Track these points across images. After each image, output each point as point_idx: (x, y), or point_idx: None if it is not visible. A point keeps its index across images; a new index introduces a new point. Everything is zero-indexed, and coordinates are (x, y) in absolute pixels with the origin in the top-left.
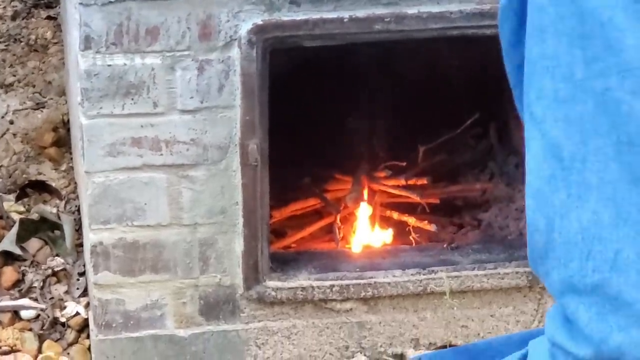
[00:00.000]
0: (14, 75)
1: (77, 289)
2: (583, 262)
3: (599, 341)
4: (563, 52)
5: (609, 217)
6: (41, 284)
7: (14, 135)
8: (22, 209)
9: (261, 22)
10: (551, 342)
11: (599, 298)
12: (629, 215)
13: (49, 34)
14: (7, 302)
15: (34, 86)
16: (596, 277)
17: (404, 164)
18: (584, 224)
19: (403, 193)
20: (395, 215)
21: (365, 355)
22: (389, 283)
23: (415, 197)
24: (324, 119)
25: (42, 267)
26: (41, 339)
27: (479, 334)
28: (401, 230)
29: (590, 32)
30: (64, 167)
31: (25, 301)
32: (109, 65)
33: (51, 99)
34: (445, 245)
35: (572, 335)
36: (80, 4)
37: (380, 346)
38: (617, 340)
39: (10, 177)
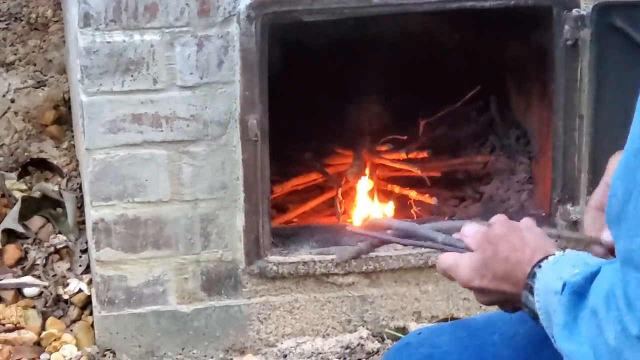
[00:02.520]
0: (15, 54)
1: (80, 266)
2: None
3: None
4: None
5: None
6: (44, 261)
7: (16, 113)
8: (24, 187)
9: None
10: (611, 288)
11: None
12: None
13: (49, 12)
14: (10, 280)
15: (34, 64)
16: None
17: (405, 137)
18: None
19: (404, 167)
20: (397, 189)
21: (367, 328)
22: (390, 257)
23: (416, 171)
24: (325, 94)
25: (45, 245)
26: (44, 316)
27: (480, 307)
28: (402, 204)
29: None
30: (65, 145)
31: (28, 279)
32: (108, 42)
33: (52, 77)
34: (446, 219)
35: (623, 298)
36: None
37: (383, 320)
38: None
39: (12, 155)
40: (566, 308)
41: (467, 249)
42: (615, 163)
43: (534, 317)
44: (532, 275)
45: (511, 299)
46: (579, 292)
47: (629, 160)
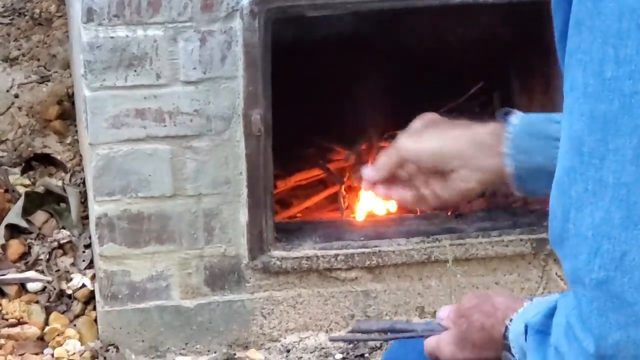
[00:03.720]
0: (19, 49)
1: (83, 261)
2: (591, 257)
3: (598, 336)
4: (596, 48)
5: (620, 218)
6: (47, 256)
7: (19, 108)
8: (27, 182)
9: None
10: (567, 320)
11: (601, 294)
12: None
13: (53, 8)
14: (13, 275)
15: (38, 60)
16: (601, 274)
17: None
18: (596, 220)
19: None
20: None
21: None
22: (393, 251)
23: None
24: (327, 88)
25: (48, 240)
26: (48, 311)
27: None
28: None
29: (626, 32)
30: (69, 140)
31: (31, 274)
32: (112, 37)
33: (56, 72)
34: (449, 213)
35: (579, 322)
36: None
37: (386, 314)
38: (615, 337)
39: (15, 150)
40: (533, 349)
41: (445, 329)
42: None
43: None
44: (505, 331)
45: None
46: (541, 331)
47: (562, 180)
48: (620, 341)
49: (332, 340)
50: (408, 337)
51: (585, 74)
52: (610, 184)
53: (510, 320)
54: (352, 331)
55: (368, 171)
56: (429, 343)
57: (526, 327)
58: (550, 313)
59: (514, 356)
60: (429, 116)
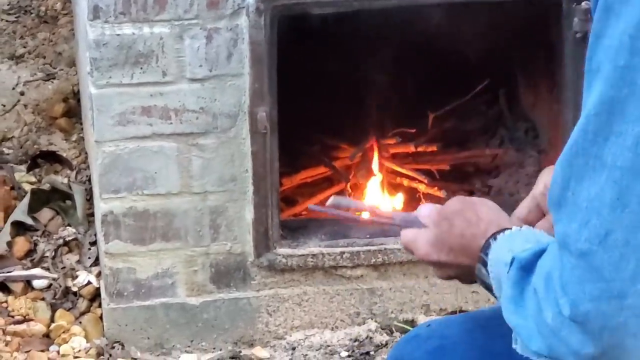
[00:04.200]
0: (25, 47)
1: (89, 258)
2: (581, 228)
3: (572, 302)
4: (617, 35)
5: (611, 198)
6: (53, 253)
7: (25, 106)
8: (33, 179)
9: None
10: (549, 271)
11: (583, 264)
12: (628, 203)
13: (58, 5)
14: (19, 272)
15: (44, 57)
16: (586, 246)
17: (414, 130)
18: (591, 194)
19: (410, 172)
20: (406, 182)
21: (376, 321)
22: (399, 249)
23: (408, 171)
24: (333, 86)
25: (54, 237)
26: (53, 308)
27: (489, 300)
28: (411, 197)
29: None
30: (74, 138)
31: (37, 271)
32: (118, 35)
33: (61, 69)
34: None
35: (559, 281)
36: None
37: (391, 312)
38: (586, 307)
39: (21, 147)
40: (513, 282)
41: (424, 227)
42: (546, 176)
43: (487, 289)
44: (486, 247)
45: (468, 271)
46: (526, 267)
47: (568, 151)
48: (590, 312)
49: (311, 210)
50: (385, 223)
51: (605, 57)
52: (608, 164)
53: (494, 238)
54: (331, 206)
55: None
56: (406, 234)
57: (513, 259)
58: (540, 254)
59: (488, 274)
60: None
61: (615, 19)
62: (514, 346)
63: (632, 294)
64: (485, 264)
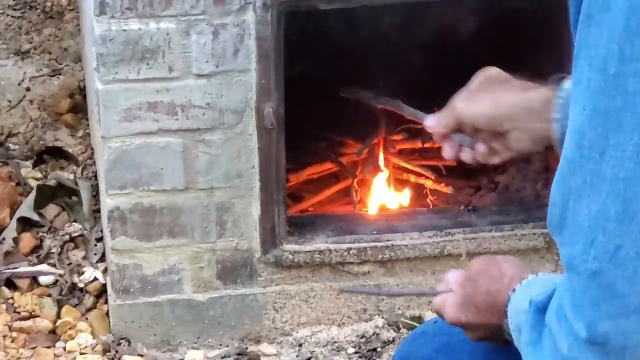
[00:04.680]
0: (30, 42)
1: (95, 254)
2: (586, 247)
3: (589, 323)
4: (602, 44)
5: (616, 212)
6: (59, 249)
7: (31, 102)
8: (39, 175)
9: None
10: (559, 302)
11: (594, 284)
12: (635, 215)
13: (64, 1)
14: (25, 268)
15: (50, 53)
16: (595, 265)
17: (421, 126)
18: (592, 212)
19: (417, 169)
20: (412, 178)
21: (383, 317)
22: (406, 245)
23: (429, 175)
24: (340, 82)
25: (60, 233)
26: (59, 304)
27: None
28: (418, 193)
29: (633, 30)
30: (80, 134)
31: (43, 267)
32: (124, 30)
33: (67, 65)
34: (462, 208)
35: (571, 307)
36: None
37: (398, 309)
38: (605, 326)
39: (27, 143)
40: (531, 326)
41: (434, 294)
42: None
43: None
44: (508, 300)
45: (497, 331)
46: (541, 309)
47: (563, 170)
48: (609, 331)
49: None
50: (407, 294)
51: (590, 68)
52: (608, 178)
53: (514, 290)
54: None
55: (429, 120)
56: (437, 301)
57: (530, 303)
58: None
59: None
60: (488, 73)
61: (596, 27)
62: None
63: None
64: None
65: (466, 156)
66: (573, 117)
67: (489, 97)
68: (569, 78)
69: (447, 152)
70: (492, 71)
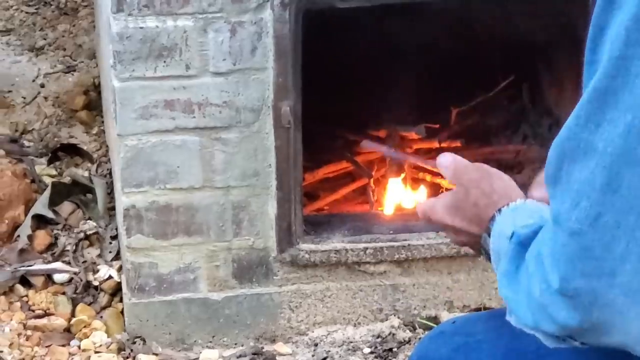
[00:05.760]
0: (45, 39)
1: (110, 252)
2: (572, 208)
3: (562, 277)
4: (615, 27)
5: (601, 182)
6: (74, 247)
7: (45, 98)
8: (54, 172)
9: None
10: (539, 249)
11: (574, 243)
12: (618, 189)
13: None
14: (40, 266)
15: (64, 49)
16: (577, 226)
17: (438, 126)
18: (582, 177)
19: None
20: (428, 177)
21: (399, 317)
22: (422, 245)
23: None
24: (357, 81)
25: (75, 231)
26: (74, 302)
27: None
28: (434, 193)
29: None
30: (95, 131)
31: (58, 265)
32: (141, 28)
33: (82, 62)
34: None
35: (549, 256)
36: None
37: (414, 309)
38: (577, 283)
39: (42, 140)
40: (510, 257)
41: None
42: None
43: (488, 259)
44: (492, 219)
45: (477, 241)
46: (524, 244)
47: (562, 134)
48: (581, 287)
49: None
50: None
51: (606, 49)
52: (598, 150)
53: (499, 211)
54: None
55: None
56: (425, 202)
57: (512, 234)
58: (539, 231)
59: (490, 239)
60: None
61: (618, 10)
62: (507, 318)
63: (621, 272)
64: (489, 234)
65: None
66: (580, 95)
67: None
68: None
69: None
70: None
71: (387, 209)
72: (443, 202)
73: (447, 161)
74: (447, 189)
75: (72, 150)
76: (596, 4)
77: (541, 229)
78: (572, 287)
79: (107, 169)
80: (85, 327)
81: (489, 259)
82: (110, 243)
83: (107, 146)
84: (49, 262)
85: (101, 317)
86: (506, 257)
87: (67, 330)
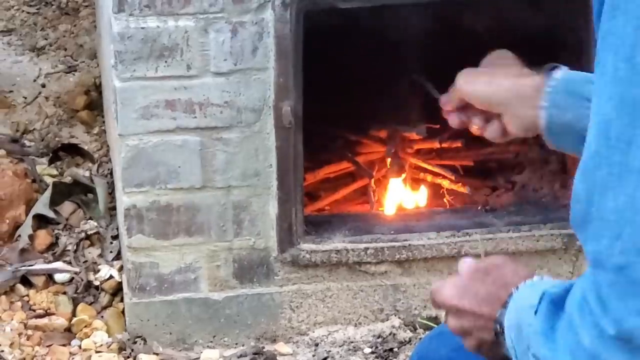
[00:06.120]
0: (46, 39)
1: (111, 252)
2: (613, 241)
3: (616, 319)
4: (628, 32)
5: None
6: (75, 247)
7: (46, 98)
8: (55, 172)
9: None
10: (583, 295)
11: (622, 279)
12: None
13: None
14: (41, 266)
15: (65, 49)
16: (622, 259)
17: (438, 126)
18: (619, 205)
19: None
20: (429, 177)
21: (399, 318)
22: (423, 245)
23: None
24: (357, 81)
25: (76, 231)
26: (75, 302)
27: None
28: (435, 193)
29: None
30: (96, 131)
31: (59, 264)
32: (143, 28)
33: (83, 62)
34: (479, 208)
35: (598, 302)
36: None
37: (415, 309)
38: (632, 322)
39: (42, 140)
40: (544, 316)
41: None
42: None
43: (497, 337)
44: (510, 295)
45: (483, 326)
46: (556, 302)
47: (586, 164)
48: (636, 327)
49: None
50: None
51: (616, 58)
52: (635, 169)
53: (517, 287)
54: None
55: (442, 99)
56: (436, 283)
57: (543, 294)
58: (570, 290)
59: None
60: (497, 54)
61: (622, 16)
62: None
63: None
64: (505, 310)
65: (473, 127)
66: (597, 109)
67: (486, 79)
68: (561, 69)
69: (452, 121)
70: (499, 53)
71: (388, 209)
72: (454, 280)
73: (466, 263)
74: (448, 190)
75: (73, 150)
76: (598, 14)
77: (573, 286)
78: (626, 328)
79: (108, 169)
80: (86, 326)
81: (497, 337)
82: (111, 243)
83: (108, 146)
84: (50, 261)
85: (102, 316)
86: (539, 318)
87: (68, 330)
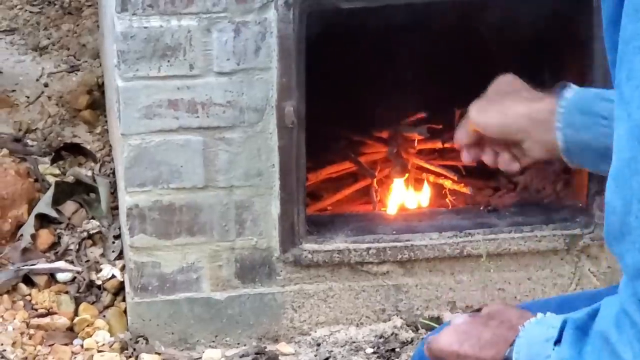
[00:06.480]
0: (49, 38)
1: (113, 251)
2: None
3: None
4: None
5: None
6: (77, 246)
7: (49, 98)
8: (57, 171)
9: None
10: (622, 308)
11: None
12: None
13: None
14: (43, 265)
15: (68, 49)
16: None
17: (441, 126)
18: None
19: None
20: (432, 178)
21: (401, 318)
22: (425, 246)
23: (451, 176)
24: (361, 82)
25: (78, 230)
26: (77, 301)
27: (515, 297)
28: (438, 193)
29: None
30: (98, 130)
31: (61, 264)
32: (145, 27)
33: (85, 61)
34: (482, 208)
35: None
36: None
37: (417, 309)
38: None
39: (45, 140)
40: (570, 344)
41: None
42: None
43: None
44: (517, 336)
45: None
46: (582, 328)
47: (621, 173)
48: None
49: None
50: None
51: None
52: None
53: (523, 326)
54: None
55: (457, 135)
56: (432, 334)
57: (565, 322)
58: (594, 314)
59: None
60: (502, 80)
61: None
62: None
63: None
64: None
65: (487, 159)
66: (628, 115)
67: (498, 108)
68: (571, 87)
69: (466, 157)
70: (506, 79)
71: (390, 209)
72: (454, 326)
73: (462, 318)
74: (450, 190)
75: (76, 150)
76: (608, 20)
77: (597, 312)
78: None
79: (111, 169)
80: (88, 326)
81: None
82: (113, 242)
83: (110, 146)
84: (52, 261)
85: (104, 316)
86: (565, 345)
87: (70, 329)
